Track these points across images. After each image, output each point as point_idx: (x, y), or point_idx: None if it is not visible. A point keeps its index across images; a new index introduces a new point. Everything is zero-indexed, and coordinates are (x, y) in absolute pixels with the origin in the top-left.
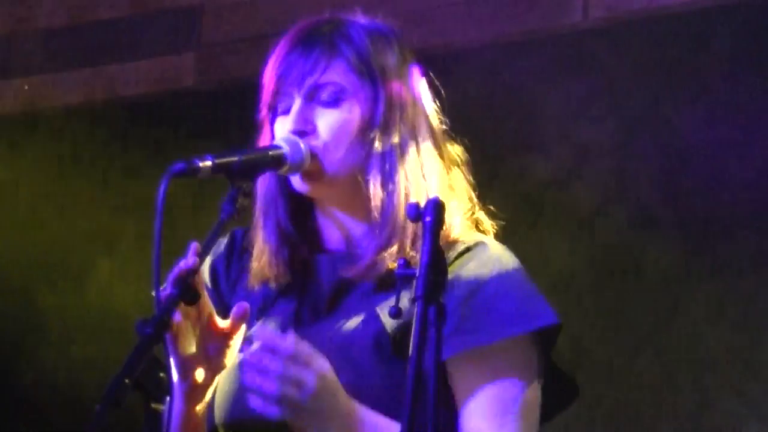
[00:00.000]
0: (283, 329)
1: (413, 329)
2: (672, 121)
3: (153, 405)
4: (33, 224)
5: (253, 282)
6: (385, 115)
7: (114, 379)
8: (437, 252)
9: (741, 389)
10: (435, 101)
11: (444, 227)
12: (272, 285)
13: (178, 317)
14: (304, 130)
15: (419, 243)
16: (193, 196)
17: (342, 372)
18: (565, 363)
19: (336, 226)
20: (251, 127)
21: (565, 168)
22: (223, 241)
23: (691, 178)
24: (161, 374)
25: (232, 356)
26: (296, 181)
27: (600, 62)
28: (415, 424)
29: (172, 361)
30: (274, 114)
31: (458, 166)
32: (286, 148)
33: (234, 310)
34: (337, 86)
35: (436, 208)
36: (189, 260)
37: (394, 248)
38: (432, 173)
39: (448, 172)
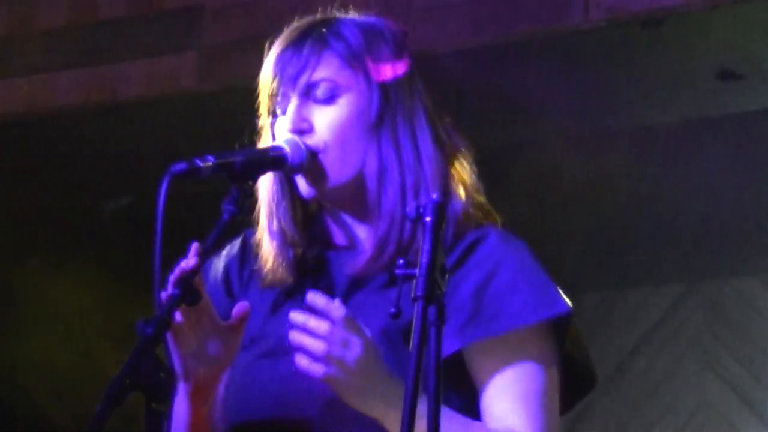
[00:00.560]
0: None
1: (413, 329)
2: None
3: (153, 405)
4: None
5: (263, 283)
6: (381, 108)
7: (114, 379)
8: (437, 252)
9: None
10: (433, 100)
11: (456, 216)
12: (281, 285)
13: (178, 317)
14: (302, 128)
15: (419, 235)
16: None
17: None
18: (582, 351)
19: (341, 224)
20: (251, 128)
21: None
22: (236, 243)
23: None
24: (162, 374)
25: (234, 356)
26: (302, 186)
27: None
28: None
29: (173, 361)
30: (274, 118)
31: (462, 157)
32: (286, 149)
33: (234, 309)
34: (331, 82)
35: (436, 208)
36: (190, 261)
37: (394, 240)
38: (431, 165)
39: (450, 164)
